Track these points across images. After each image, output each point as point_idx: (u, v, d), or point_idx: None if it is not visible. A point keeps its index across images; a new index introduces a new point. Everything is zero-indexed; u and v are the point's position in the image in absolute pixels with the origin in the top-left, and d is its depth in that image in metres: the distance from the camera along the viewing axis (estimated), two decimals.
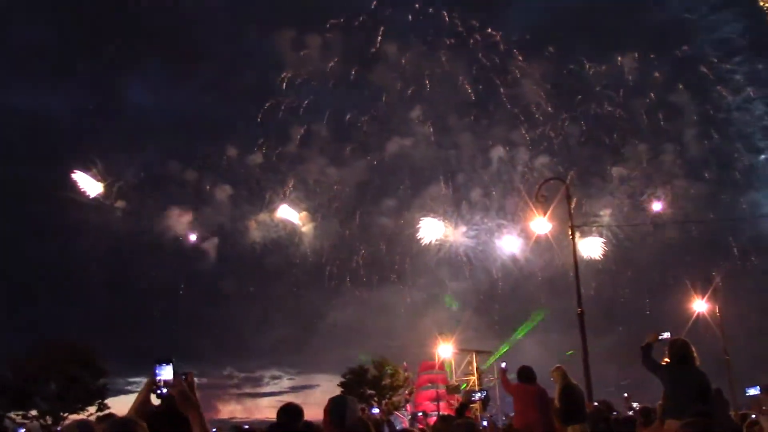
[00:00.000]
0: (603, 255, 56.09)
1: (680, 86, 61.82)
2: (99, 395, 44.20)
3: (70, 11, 63.16)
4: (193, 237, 59.69)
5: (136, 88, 74.04)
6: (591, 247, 54.66)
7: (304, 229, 61.24)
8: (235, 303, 63.61)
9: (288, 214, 60.92)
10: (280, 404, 6.56)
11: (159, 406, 4.14)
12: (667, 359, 8.86)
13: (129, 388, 62.94)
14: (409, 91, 64.81)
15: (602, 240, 56.07)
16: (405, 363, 52.41)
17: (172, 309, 60.53)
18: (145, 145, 62.91)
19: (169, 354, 4.08)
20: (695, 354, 8.63)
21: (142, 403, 4.07)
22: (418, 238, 58.09)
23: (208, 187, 60.39)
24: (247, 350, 64.83)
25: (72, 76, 68.93)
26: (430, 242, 58.45)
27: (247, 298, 63.53)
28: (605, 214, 59.84)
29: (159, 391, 4.00)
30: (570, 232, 19.70)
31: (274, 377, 73.10)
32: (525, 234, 57.31)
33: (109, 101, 71.00)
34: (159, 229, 59.22)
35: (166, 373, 4.03)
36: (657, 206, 59.38)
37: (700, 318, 38.59)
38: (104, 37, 63.78)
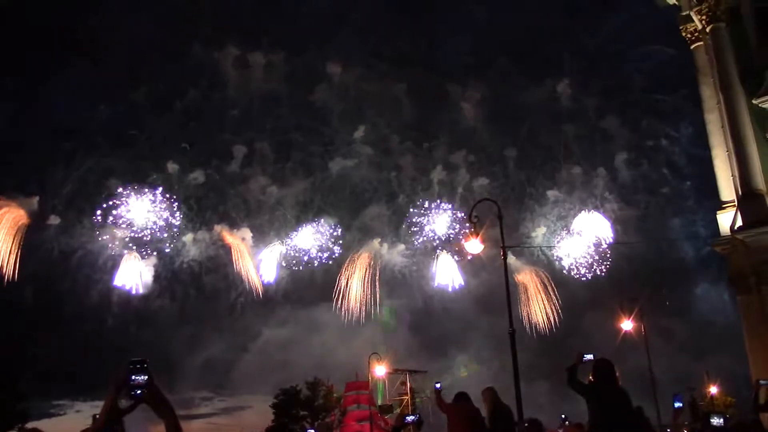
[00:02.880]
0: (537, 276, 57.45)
1: (611, 113, 64.32)
2: (20, 419, 42.56)
3: None
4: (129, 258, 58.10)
5: (66, 100, 72.10)
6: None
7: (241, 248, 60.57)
8: (167, 322, 62.29)
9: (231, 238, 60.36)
10: (212, 426, 6.42)
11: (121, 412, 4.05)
12: (591, 379, 9.11)
13: (52, 411, 60.88)
14: (352, 113, 65.49)
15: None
16: (330, 383, 51.94)
17: (100, 329, 58.80)
18: (80, 161, 61.17)
19: (144, 357, 4.02)
20: (618, 374, 8.92)
21: (110, 411, 3.98)
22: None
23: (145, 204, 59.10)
24: (178, 371, 63.35)
25: None
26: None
27: (180, 317, 62.32)
28: (537, 236, 61.15)
29: (133, 393, 3.94)
30: (502, 253, 20.04)
31: (206, 399, 71.57)
32: (460, 254, 58.10)
33: (38, 113, 69.00)
34: (92, 247, 57.61)
35: (140, 374, 3.98)
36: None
37: (627, 336, 39.80)
38: (31, 46, 62.28)
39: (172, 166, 60.85)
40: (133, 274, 57.28)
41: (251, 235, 61.52)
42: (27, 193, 54.14)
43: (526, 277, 57.29)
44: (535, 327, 55.52)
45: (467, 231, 21.41)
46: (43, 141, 63.62)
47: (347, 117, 66.53)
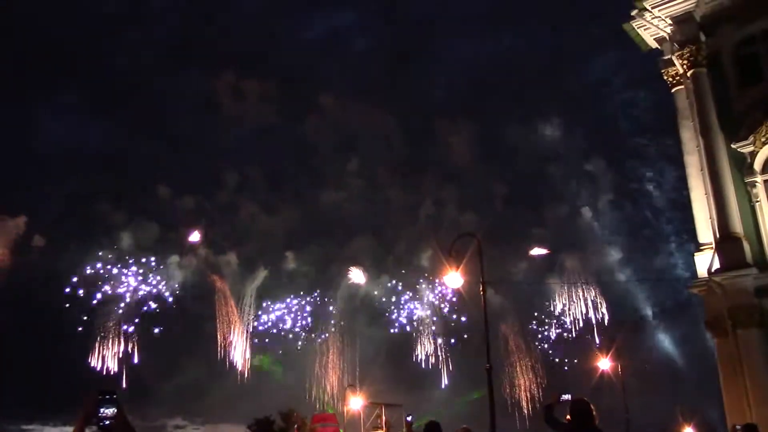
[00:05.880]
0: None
1: (596, 155, 65.25)
2: None
3: None
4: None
5: (52, 121, 71.83)
6: None
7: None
8: (145, 347, 61.37)
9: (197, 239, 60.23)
10: None
11: None
12: (569, 417, 9.10)
13: None
14: (343, 145, 66.01)
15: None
16: (297, 413, 51.32)
17: (72, 352, 57.84)
18: (70, 184, 60.82)
19: (113, 388, 4.00)
20: (595, 413, 8.92)
21: None
22: (349, 280, 58.55)
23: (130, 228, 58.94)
24: (150, 397, 62.25)
25: None
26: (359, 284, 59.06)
27: (159, 342, 61.52)
28: (517, 272, 61.35)
29: (101, 423, 3.93)
30: (481, 288, 20.05)
31: (178, 426, 70.28)
32: (442, 287, 58.21)
33: (28, 134, 68.76)
34: (73, 269, 57.02)
35: (109, 406, 3.96)
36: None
37: (604, 375, 39.84)
38: (19, 65, 62.32)
39: (162, 190, 60.94)
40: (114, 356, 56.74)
41: (237, 261, 61.47)
42: (13, 213, 53.85)
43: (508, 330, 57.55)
44: (518, 402, 55.99)
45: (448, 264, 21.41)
46: (33, 162, 63.44)
47: (338, 149, 67.05)
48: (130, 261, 59.39)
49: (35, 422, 60.03)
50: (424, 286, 62.29)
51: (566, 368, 57.97)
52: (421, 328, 61.26)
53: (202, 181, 64.64)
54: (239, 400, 59.79)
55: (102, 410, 3.86)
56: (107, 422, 3.87)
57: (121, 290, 58.90)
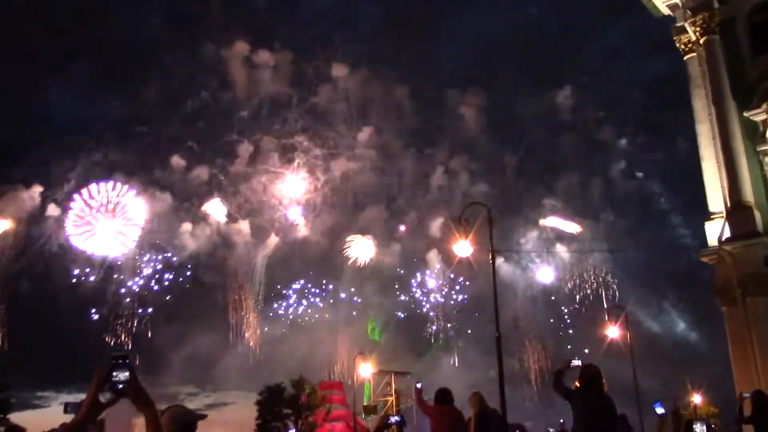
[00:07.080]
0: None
1: (608, 124, 64.78)
2: (2, 409, 42.18)
3: None
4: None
5: (66, 92, 71.88)
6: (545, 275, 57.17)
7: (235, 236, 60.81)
8: (158, 315, 62.06)
9: (215, 210, 60.49)
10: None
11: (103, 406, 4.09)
12: (577, 384, 9.13)
13: (37, 402, 60.52)
14: (355, 115, 65.76)
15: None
16: (305, 381, 51.91)
17: (86, 323, 58.50)
18: (85, 155, 60.99)
19: (126, 351, 4.07)
20: (604, 380, 8.94)
21: (92, 404, 4.02)
22: (348, 256, 58.91)
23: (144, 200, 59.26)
24: (163, 366, 63.06)
25: None
26: (364, 263, 59.35)
27: (172, 311, 62.12)
28: (526, 242, 61.40)
29: (114, 388, 3.99)
30: (491, 257, 20.06)
31: (191, 394, 71.15)
32: (450, 257, 58.31)
33: (45, 107, 68.81)
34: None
35: (122, 370, 4.03)
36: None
37: (613, 343, 39.90)
38: (35, 37, 62.23)
39: (177, 162, 61.19)
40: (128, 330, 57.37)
41: (249, 231, 61.81)
42: (29, 184, 54.15)
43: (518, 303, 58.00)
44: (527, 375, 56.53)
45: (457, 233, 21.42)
46: (49, 134, 63.63)
47: (351, 119, 66.89)
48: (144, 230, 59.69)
49: (50, 390, 61.02)
50: (433, 256, 62.51)
51: (574, 339, 58.32)
52: (432, 313, 61.82)
53: (216, 152, 64.77)
54: (250, 369, 60.52)
55: (115, 374, 3.89)
56: (120, 386, 3.90)
57: (135, 261, 59.34)
